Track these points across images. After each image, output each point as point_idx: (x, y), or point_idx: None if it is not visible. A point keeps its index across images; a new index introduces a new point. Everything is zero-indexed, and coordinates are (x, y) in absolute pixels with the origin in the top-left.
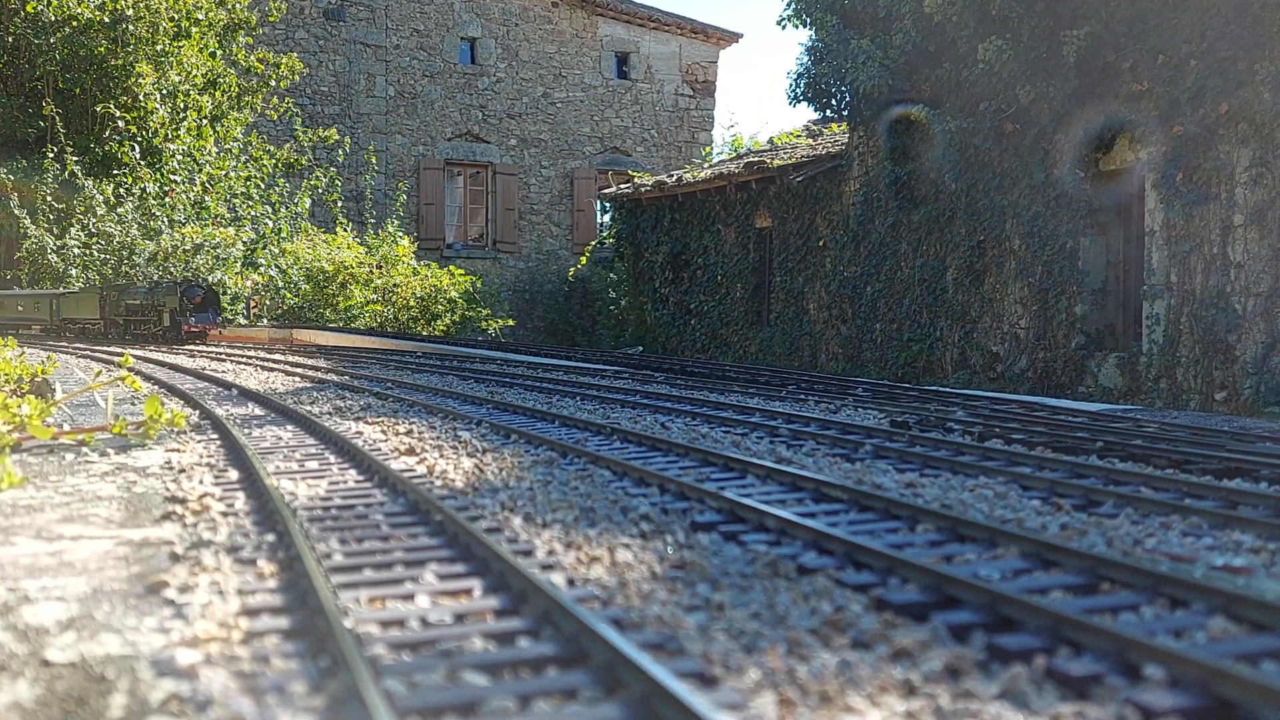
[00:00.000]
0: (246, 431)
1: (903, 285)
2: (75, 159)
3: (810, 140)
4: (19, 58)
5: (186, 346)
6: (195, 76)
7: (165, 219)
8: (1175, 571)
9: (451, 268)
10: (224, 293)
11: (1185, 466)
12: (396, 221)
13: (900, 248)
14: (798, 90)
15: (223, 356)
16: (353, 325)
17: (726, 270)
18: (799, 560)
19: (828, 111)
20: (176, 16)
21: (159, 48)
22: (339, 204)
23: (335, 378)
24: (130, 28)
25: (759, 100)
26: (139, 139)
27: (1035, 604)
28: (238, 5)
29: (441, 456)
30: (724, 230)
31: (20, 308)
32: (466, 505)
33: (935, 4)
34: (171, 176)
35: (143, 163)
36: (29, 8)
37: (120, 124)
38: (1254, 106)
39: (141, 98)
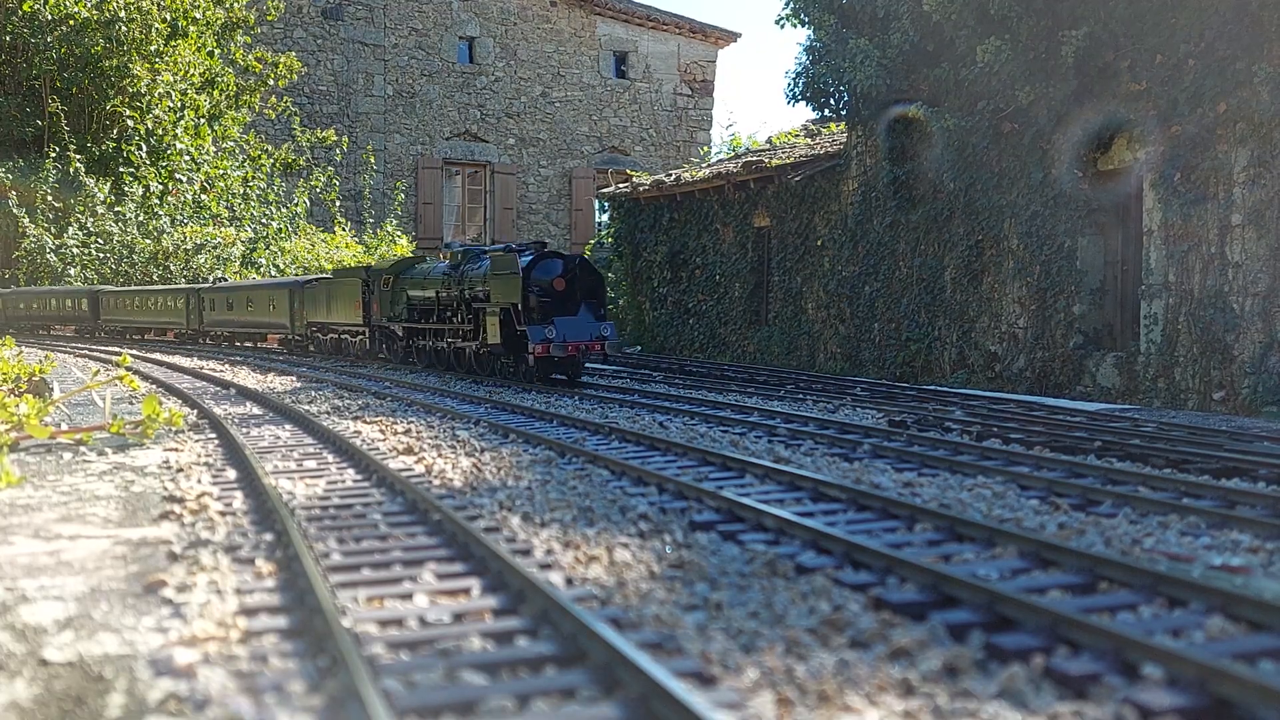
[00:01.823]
0: (244, 430)
1: (901, 285)
2: (77, 158)
3: (808, 140)
4: (16, 57)
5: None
6: (193, 76)
7: (168, 218)
8: (1173, 571)
9: None
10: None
11: (1183, 466)
12: (395, 221)
13: (898, 247)
14: (796, 90)
15: (220, 355)
16: None
17: (725, 270)
18: (797, 559)
19: (826, 111)
20: (171, 16)
21: (153, 47)
22: (337, 203)
23: (333, 376)
24: (124, 27)
25: (757, 100)
26: (150, 137)
27: (1033, 603)
28: (236, 4)
29: (440, 456)
30: (722, 230)
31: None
32: (465, 504)
33: (934, 4)
34: (175, 175)
35: (147, 161)
36: (25, 7)
37: (129, 123)
38: (1252, 106)
39: (144, 97)
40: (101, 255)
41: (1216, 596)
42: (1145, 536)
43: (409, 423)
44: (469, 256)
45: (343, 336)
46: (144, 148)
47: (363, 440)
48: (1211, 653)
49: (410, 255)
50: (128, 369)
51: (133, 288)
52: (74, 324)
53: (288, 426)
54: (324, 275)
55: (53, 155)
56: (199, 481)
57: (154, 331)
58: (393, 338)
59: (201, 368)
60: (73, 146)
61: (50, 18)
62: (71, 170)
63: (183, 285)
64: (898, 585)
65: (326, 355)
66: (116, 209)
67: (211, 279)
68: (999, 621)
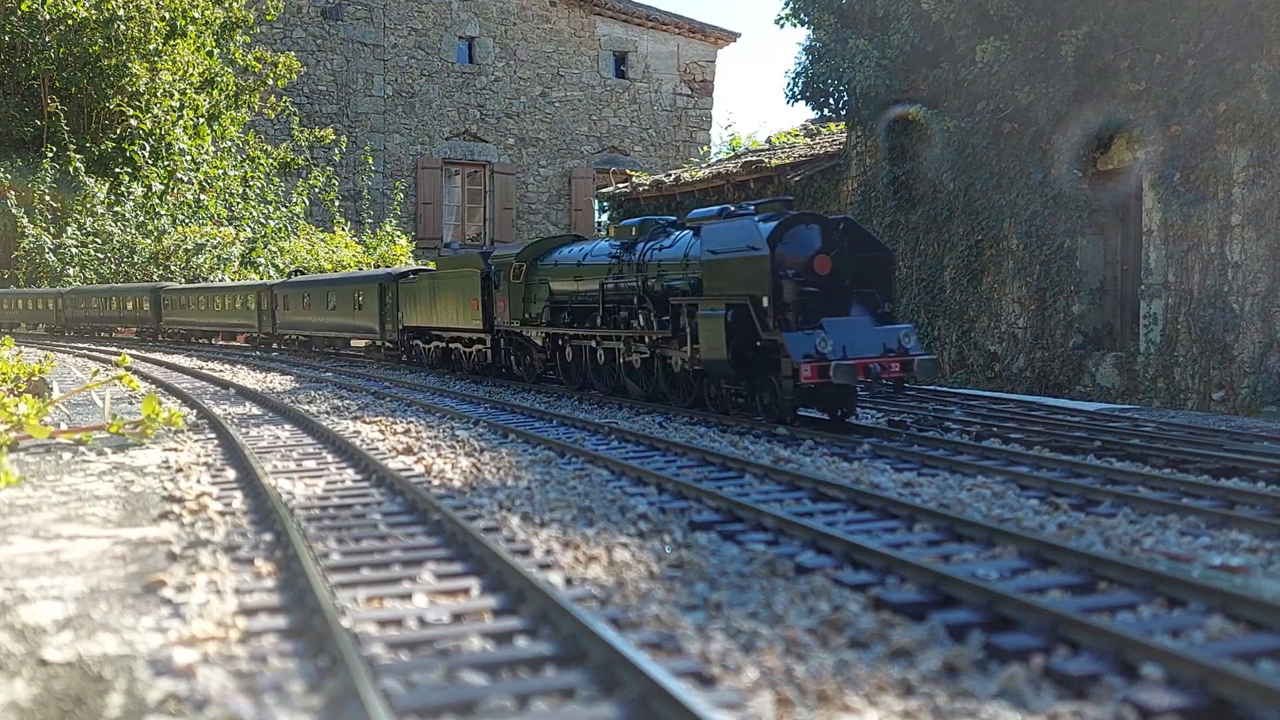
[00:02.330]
0: (244, 430)
1: (900, 285)
2: (77, 157)
3: (808, 140)
4: (15, 57)
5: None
6: (192, 76)
7: (169, 218)
8: (1173, 571)
9: None
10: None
11: (1183, 466)
12: (394, 221)
13: (898, 247)
14: (796, 89)
15: (218, 355)
16: None
17: None
18: (797, 559)
19: (826, 111)
20: (170, 15)
21: (152, 46)
22: (336, 203)
23: (332, 376)
24: (123, 26)
25: (757, 100)
26: (151, 137)
27: (1033, 603)
28: (235, 4)
29: (439, 456)
30: None
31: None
32: (464, 504)
33: (933, 4)
34: (176, 175)
35: (150, 161)
36: (24, 6)
37: (132, 122)
38: (1252, 107)
39: (143, 96)
40: (101, 255)
41: (1216, 596)
42: (1145, 536)
43: (408, 422)
44: (652, 230)
45: (452, 345)
46: (145, 147)
47: (362, 440)
48: (1211, 653)
49: (552, 235)
50: (127, 369)
51: (197, 285)
52: (135, 325)
53: (287, 426)
54: (423, 268)
55: (50, 155)
56: (198, 481)
57: (221, 335)
58: (527, 347)
59: (201, 368)
60: (72, 146)
61: (49, 17)
62: (71, 170)
63: (253, 281)
64: (897, 585)
65: (429, 368)
66: (116, 209)
67: (288, 273)
68: (998, 621)
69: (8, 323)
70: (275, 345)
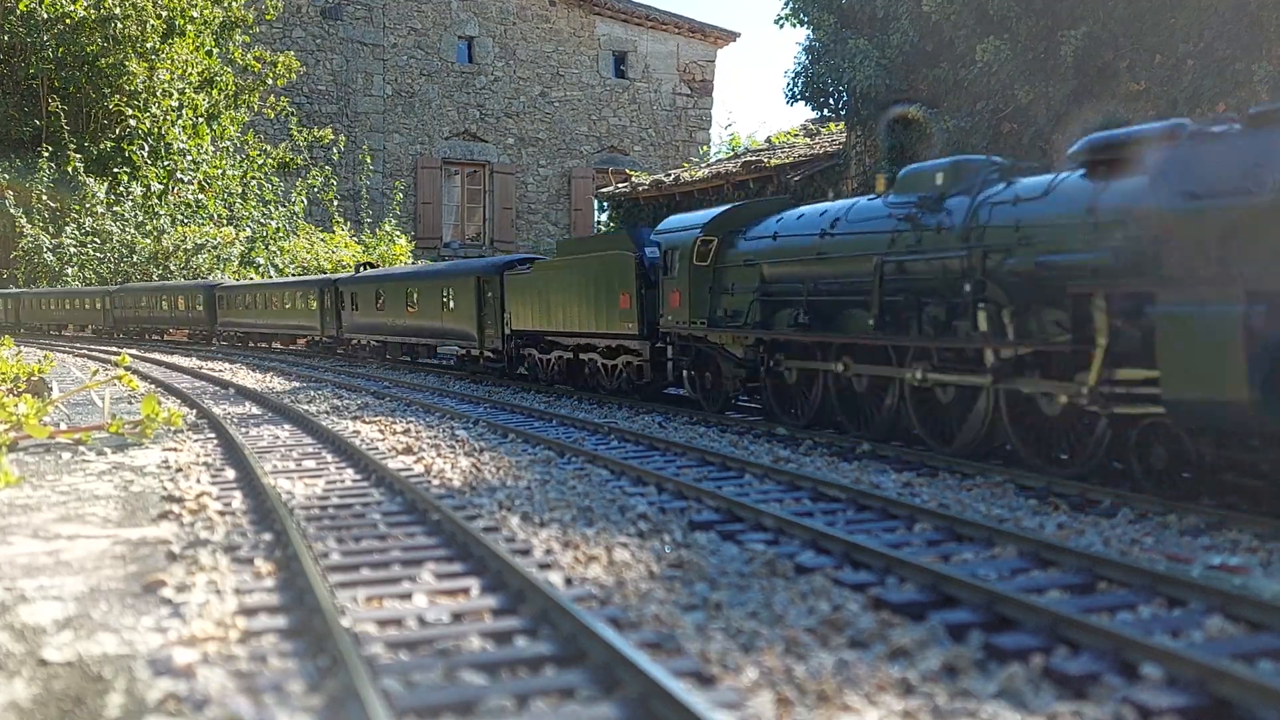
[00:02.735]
0: (244, 430)
1: None
2: (76, 157)
3: (808, 139)
4: (13, 56)
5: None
6: (191, 75)
7: (168, 218)
8: (1173, 571)
9: None
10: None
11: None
12: (394, 220)
13: None
14: (795, 89)
15: (218, 355)
16: None
17: None
18: (797, 559)
19: (825, 111)
20: (166, 14)
21: (149, 44)
22: (335, 203)
23: (331, 377)
24: (120, 25)
25: (757, 99)
26: (151, 136)
27: (1033, 603)
28: (234, 3)
29: (439, 455)
30: None
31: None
32: (464, 504)
33: (933, 4)
34: (175, 175)
35: (149, 160)
36: (21, 6)
37: (131, 122)
38: (1252, 106)
39: (141, 95)
40: (100, 255)
41: (1216, 596)
42: (1144, 536)
43: (408, 422)
44: (981, 173)
45: (587, 357)
46: (144, 147)
47: (362, 440)
48: (1211, 652)
49: (749, 201)
50: (126, 369)
51: (255, 281)
52: (188, 327)
53: (287, 426)
54: (535, 255)
55: (47, 155)
56: (198, 481)
57: (280, 339)
58: (722, 365)
59: (201, 367)
60: (71, 146)
61: (46, 16)
62: (70, 170)
63: (316, 277)
64: (897, 585)
65: (546, 385)
66: (115, 209)
67: (357, 266)
68: (998, 621)
69: (53, 324)
70: (340, 351)
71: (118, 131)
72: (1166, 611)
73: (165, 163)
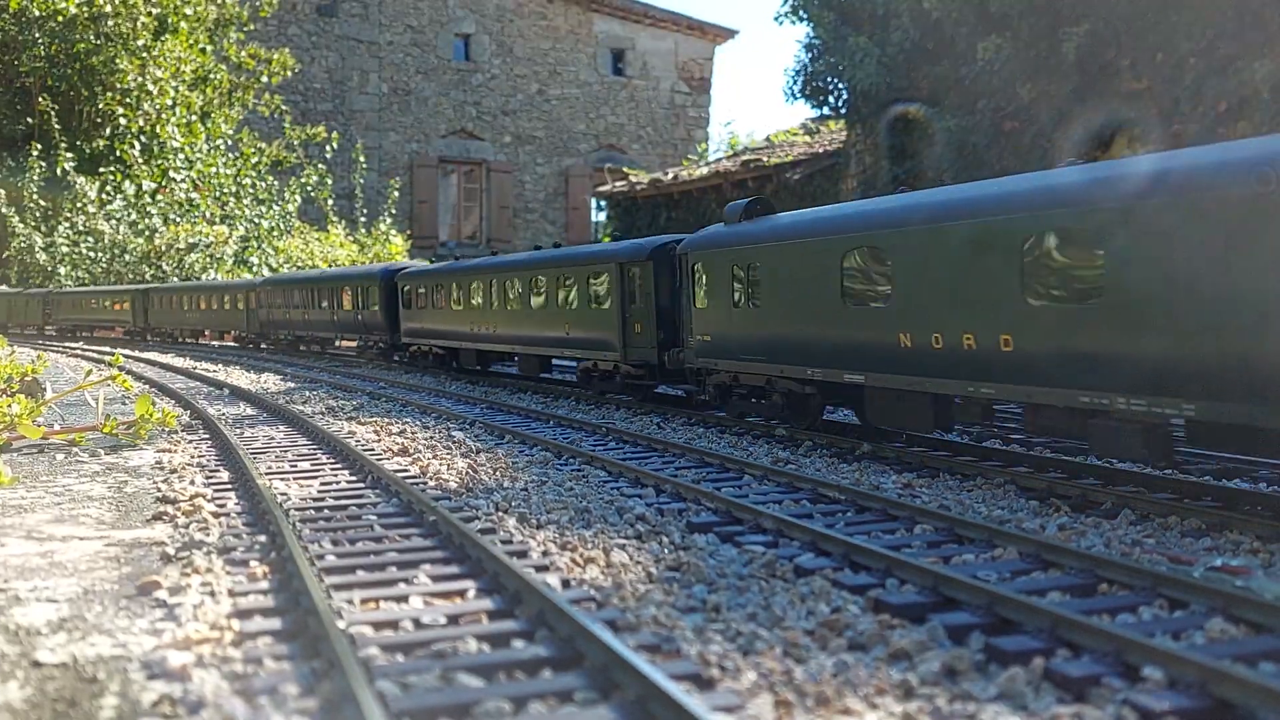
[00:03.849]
0: (238, 431)
1: None
2: (67, 156)
3: (807, 138)
4: (5, 54)
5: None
6: (184, 73)
7: (160, 217)
8: (1174, 572)
9: None
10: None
11: (1183, 466)
12: (389, 219)
13: None
14: (795, 87)
15: (213, 355)
16: None
17: None
18: (796, 561)
19: (825, 109)
20: (158, 11)
21: (140, 42)
22: (330, 201)
23: (327, 377)
24: (111, 23)
25: (756, 97)
26: (142, 135)
27: (1033, 605)
28: (228, 0)
29: (435, 457)
30: None
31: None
32: (461, 506)
33: (934, 1)
34: (167, 174)
35: (141, 159)
36: (13, 4)
37: (121, 120)
38: (1253, 105)
39: (134, 93)
40: (92, 254)
41: (1217, 598)
42: (1146, 538)
43: (404, 423)
44: None
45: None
46: (136, 146)
47: (357, 441)
48: (1212, 654)
49: None
50: (120, 369)
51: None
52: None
53: (282, 427)
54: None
55: (36, 153)
56: (192, 483)
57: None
58: None
59: (194, 368)
60: (62, 145)
61: (38, 14)
62: (60, 170)
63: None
64: (897, 587)
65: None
66: (108, 207)
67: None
68: (999, 623)
69: (191, 328)
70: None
71: (109, 130)
72: (1168, 613)
73: (157, 161)
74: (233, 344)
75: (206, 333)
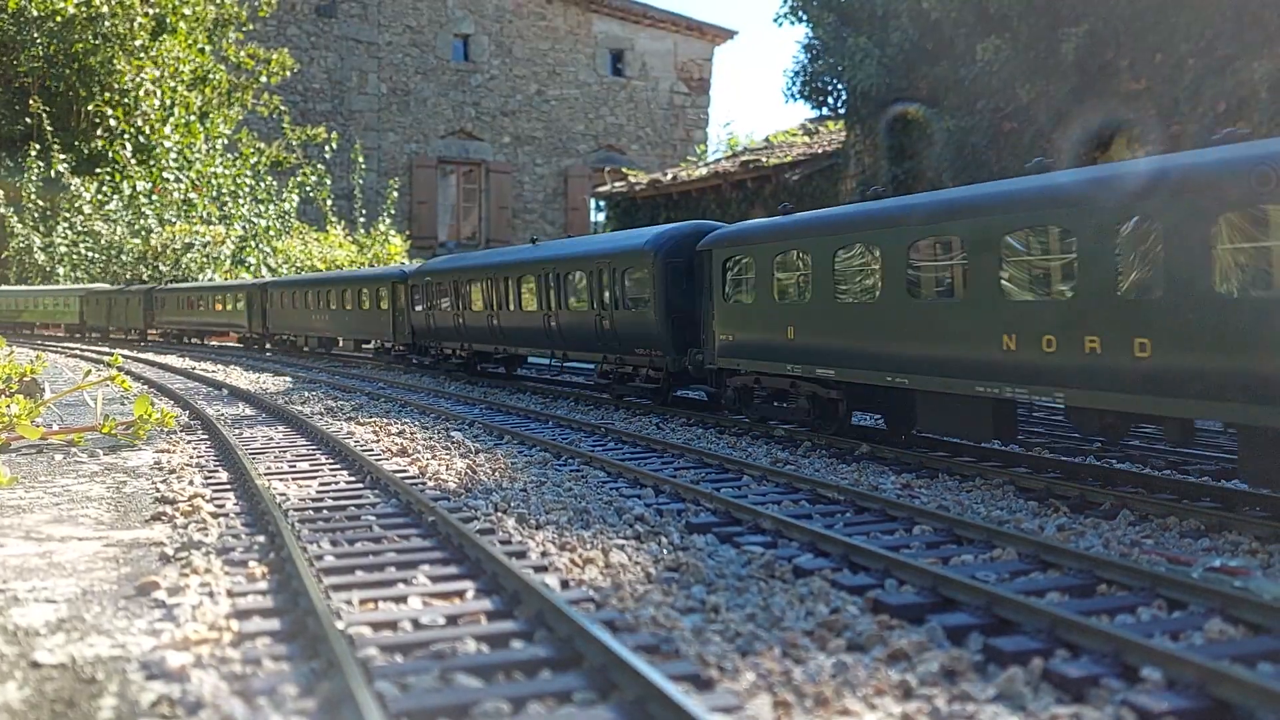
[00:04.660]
0: (237, 432)
1: None
2: (61, 157)
3: (807, 138)
4: (3, 54)
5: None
6: (183, 73)
7: (155, 217)
8: (1173, 573)
9: None
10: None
11: (1182, 467)
12: (389, 219)
13: None
14: (794, 88)
15: (212, 355)
16: None
17: None
18: (795, 561)
19: (824, 109)
20: (156, 11)
21: (138, 42)
22: (329, 202)
23: (326, 377)
24: (108, 23)
25: (755, 98)
26: (128, 135)
27: (1032, 605)
28: (227, 0)
29: (434, 458)
30: None
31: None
32: (459, 506)
33: (933, 2)
34: (163, 175)
35: (133, 160)
36: (11, 4)
37: (111, 122)
38: (1252, 106)
39: (129, 94)
40: (90, 255)
41: (1216, 599)
42: (1145, 538)
43: (403, 424)
44: None
45: None
46: (128, 147)
47: (356, 441)
48: (1211, 655)
49: None
50: (119, 369)
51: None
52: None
53: (280, 428)
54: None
55: (34, 154)
56: (191, 483)
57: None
58: None
59: (194, 368)
60: (56, 145)
61: (36, 14)
62: (54, 172)
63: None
64: (896, 587)
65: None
66: (106, 207)
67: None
68: (998, 624)
69: (310, 335)
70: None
71: (101, 130)
72: (1166, 614)
73: (153, 162)
74: (236, 344)
75: (340, 342)
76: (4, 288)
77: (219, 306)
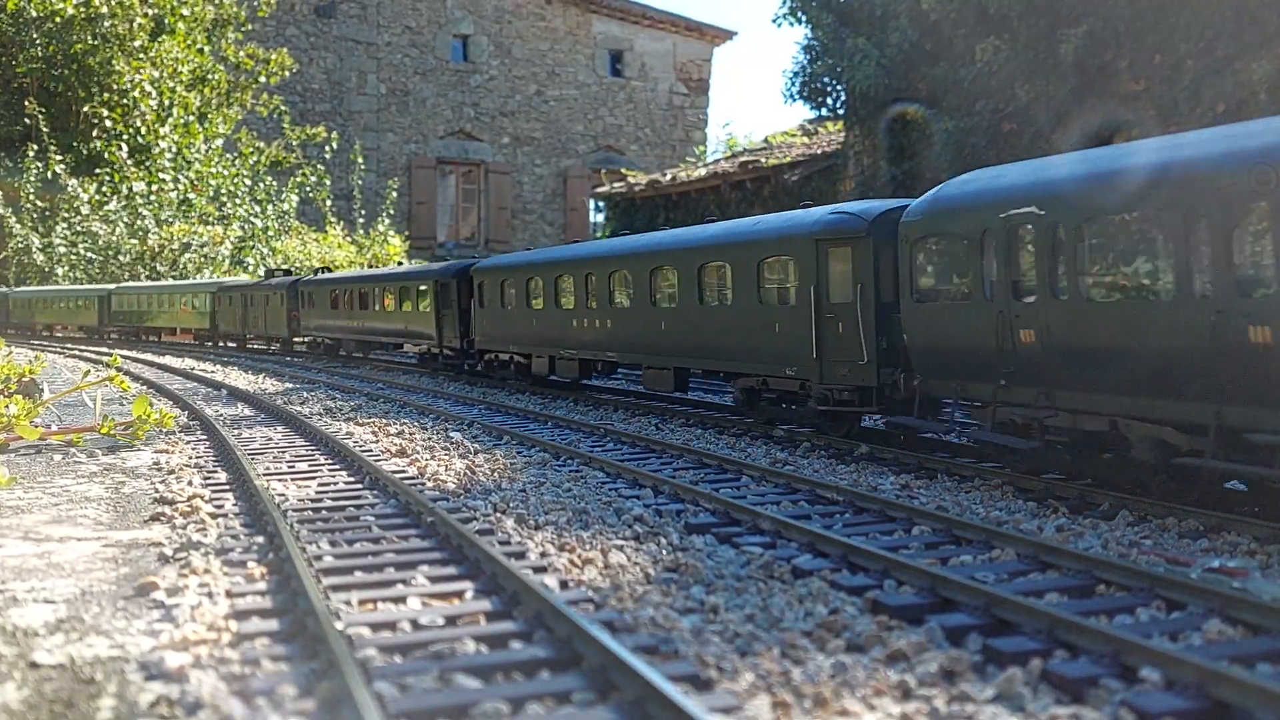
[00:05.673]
0: (236, 432)
1: None
2: (58, 158)
3: (806, 139)
4: (2, 54)
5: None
6: (182, 73)
7: (153, 218)
8: (1172, 574)
9: None
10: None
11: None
12: (388, 220)
13: None
14: (794, 88)
15: (211, 356)
16: None
17: None
18: (794, 562)
19: (824, 110)
20: (155, 12)
21: (137, 43)
22: (328, 202)
23: (325, 378)
24: (107, 24)
25: (754, 99)
26: (124, 136)
27: (1031, 606)
28: (225, 0)
29: (433, 458)
30: None
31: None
32: (458, 507)
33: (933, 2)
34: (160, 175)
35: (130, 161)
36: (10, 4)
37: (108, 123)
38: (1251, 106)
39: (127, 95)
40: (89, 255)
41: (1215, 599)
42: (1143, 539)
43: (402, 424)
44: None
45: None
46: (124, 148)
47: (355, 442)
48: (1210, 655)
49: None
50: (118, 369)
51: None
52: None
53: (279, 428)
54: None
55: (32, 154)
56: (190, 484)
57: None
58: None
59: (193, 368)
60: (52, 146)
61: (35, 14)
62: (50, 173)
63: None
64: (895, 588)
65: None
66: (106, 207)
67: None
68: (997, 624)
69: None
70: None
71: (97, 131)
72: (1165, 614)
73: (150, 163)
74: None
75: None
76: (130, 284)
77: (407, 306)
